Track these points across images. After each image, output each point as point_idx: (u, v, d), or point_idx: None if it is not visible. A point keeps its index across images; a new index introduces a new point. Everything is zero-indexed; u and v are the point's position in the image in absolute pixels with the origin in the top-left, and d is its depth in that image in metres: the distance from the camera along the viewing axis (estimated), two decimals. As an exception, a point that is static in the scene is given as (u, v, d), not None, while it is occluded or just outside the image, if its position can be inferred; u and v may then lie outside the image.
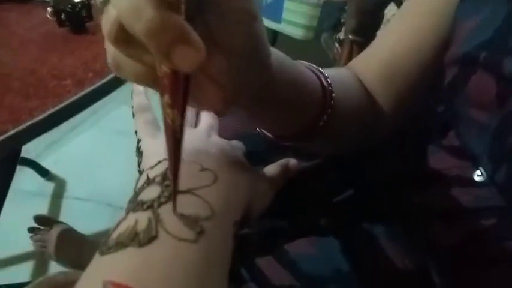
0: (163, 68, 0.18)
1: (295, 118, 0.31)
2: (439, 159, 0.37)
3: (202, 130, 0.31)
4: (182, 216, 0.21)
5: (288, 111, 0.30)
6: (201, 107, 0.24)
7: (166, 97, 0.18)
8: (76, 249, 0.97)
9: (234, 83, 0.22)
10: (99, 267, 0.20)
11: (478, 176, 0.34)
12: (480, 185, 0.33)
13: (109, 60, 0.20)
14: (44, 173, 1.27)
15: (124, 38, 0.18)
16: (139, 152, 0.30)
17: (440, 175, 0.36)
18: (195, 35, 0.17)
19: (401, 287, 0.37)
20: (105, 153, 1.36)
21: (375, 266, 0.38)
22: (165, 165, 0.25)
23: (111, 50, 0.20)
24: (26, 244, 1.02)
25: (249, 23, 0.21)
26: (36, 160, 1.26)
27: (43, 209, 1.18)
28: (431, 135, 0.39)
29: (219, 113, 0.36)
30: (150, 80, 0.19)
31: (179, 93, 0.18)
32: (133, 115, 0.33)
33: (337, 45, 0.99)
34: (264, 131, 0.34)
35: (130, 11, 0.16)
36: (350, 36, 0.67)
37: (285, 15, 1.25)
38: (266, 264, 0.39)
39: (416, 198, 0.38)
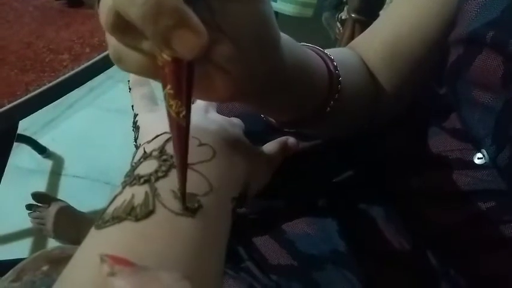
0: (164, 57, 0.17)
1: (302, 105, 0.30)
2: (440, 141, 0.37)
3: (200, 106, 0.31)
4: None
5: (295, 98, 0.29)
6: (208, 97, 0.23)
7: (169, 87, 0.17)
8: (74, 226, 0.97)
9: (242, 71, 0.21)
10: (95, 241, 0.20)
11: (478, 158, 0.33)
12: (481, 168, 0.33)
13: (110, 52, 0.19)
14: (41, 150, 1.27)
15: (122, 26, 0.17)
16: (135, 127, 0.29)
17: (441, 157, 0.36)
18: (194, 18, 0.16)
19: (398, 268, 0.37)
20: (103, 131, 1.36)
21: (372, 246, 0.39)
22: (162, 139, 0.25)
23: (112, 42, 0.19)
24: (24, 221, 1.03)
25: (252, 4, 0.20)
26: (34, 137, 1.26)
27: (41, 186, 1.18)
28: (433, 117, 0.39)
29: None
30: (153, 71, 0.19)
31: (182, 83, 0.17)
32: (130, 89, 0.32)
33: (339, 24, 0.97)
34: (268, 117, 0.33)
35: None
36: (353, 15, 0.66)
37: (282, -9, 1.21)
38: (264, 243, 0.39)
39: (415, 180, 0.38)
